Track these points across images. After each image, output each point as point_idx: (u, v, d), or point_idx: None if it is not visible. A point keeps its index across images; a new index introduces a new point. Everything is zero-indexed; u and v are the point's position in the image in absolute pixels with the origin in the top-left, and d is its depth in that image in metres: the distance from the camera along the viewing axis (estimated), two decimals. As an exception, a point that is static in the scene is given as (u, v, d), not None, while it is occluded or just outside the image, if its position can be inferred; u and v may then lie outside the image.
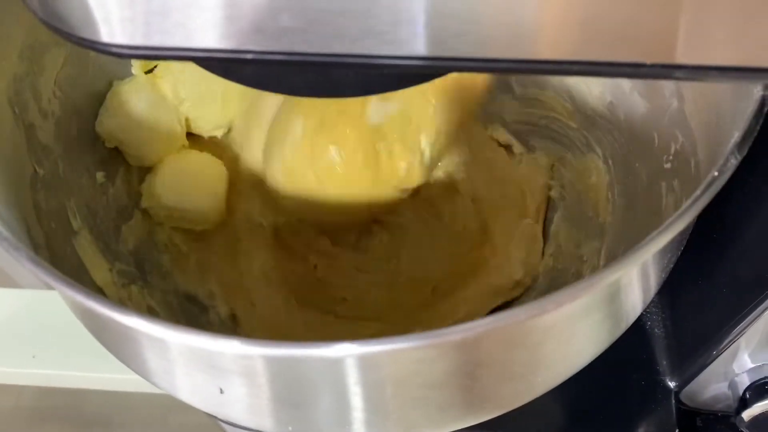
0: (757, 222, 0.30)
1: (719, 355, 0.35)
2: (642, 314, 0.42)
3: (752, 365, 0.36)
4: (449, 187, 0.45)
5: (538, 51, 0.18)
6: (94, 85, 0.39)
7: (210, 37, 0.19)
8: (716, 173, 0.21)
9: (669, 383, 0.39)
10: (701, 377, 0.37)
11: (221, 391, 0.24)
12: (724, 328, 0.33)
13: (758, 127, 0.22)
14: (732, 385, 0.37)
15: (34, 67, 0.34)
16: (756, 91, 0.22)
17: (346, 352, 0.19)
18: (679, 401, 0.40)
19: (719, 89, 0.28)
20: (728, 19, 0.17)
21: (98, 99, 0.39)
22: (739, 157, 0.21)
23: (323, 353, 0.19)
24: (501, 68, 0.19)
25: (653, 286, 0.28)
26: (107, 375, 0.51)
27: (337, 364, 0.20)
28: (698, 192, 0.21)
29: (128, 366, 0.27)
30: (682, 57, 0.17)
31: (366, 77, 0.21)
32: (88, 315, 0.24)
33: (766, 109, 0.22)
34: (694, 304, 0.37)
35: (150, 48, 0.19)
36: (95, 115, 0.39)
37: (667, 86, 0.35)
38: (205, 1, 0.18)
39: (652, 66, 0.18)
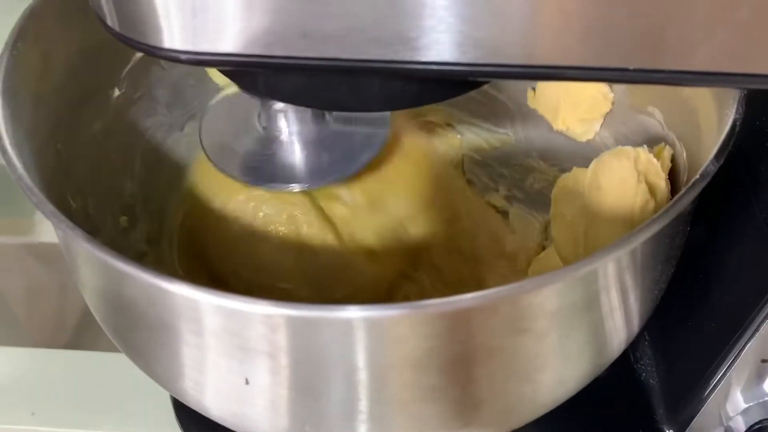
0: (737, 256, 0.33)
1: (710, 395, 0.36)
2: (636, 366, 0.44)
3: (745, 405, 0.37)
4: (452, 249, 0.48)
5: (538, 57, 0.21)
6: (125, 138, 0.43)
7: (260, 44, 0.22)
8: (698, 176, 0.24)
9: (667, 431, 0.40)
10: (697, 422, 0.39)
11: (246, 382, 0.25)
12: (711, 365, 0.35)
13: (731, 143, 0.25)
14: (728, 431, 0.38)
15: (76, 116, 0.38)
16: (730, 114, 0.26)
17: (355, 314, 0.21)
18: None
19: (701, 136, 0.32)
20: (706, 26, 0.20)
21: (128, 151, 0.43)
22: (717, 164, 0.24)
23: (337, 314, 0.21)
24: (508, 74, 0.22)
25: (635, 313, 0.30)
26: (107, 432, 0.51)
27: (347, 328, 0.22)
28: (682, 191, 0.24)
29: (156, 370, 0.28)
30: (665, 62, 0.21)
31: (390, 92, 0.24)
32: (132, 302, 0.25)
33: (737, 130, 0.26)
34: (684, 348, 0.39)
35: (204, 53, 0.22)
36: (124, 166, 0.42)
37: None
38: (256, 12, 0.21)
39: (635, 71, 0.21)
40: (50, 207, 0.25)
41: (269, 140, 0.37)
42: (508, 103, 0.48)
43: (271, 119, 0.37)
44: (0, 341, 0.59)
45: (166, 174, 0.47)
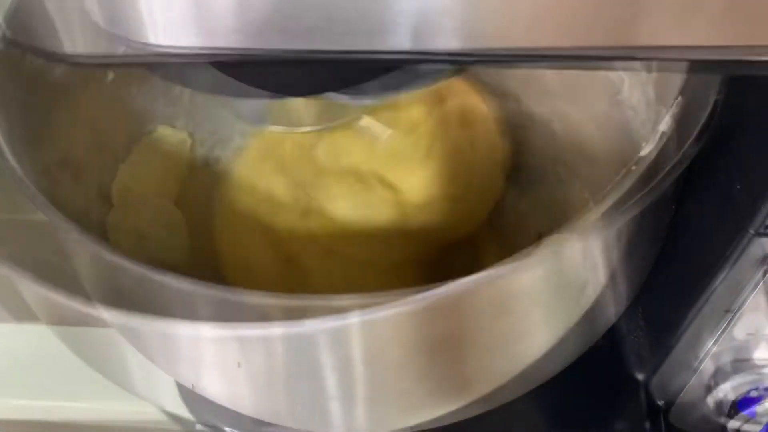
0: (702, 215, 0.33)
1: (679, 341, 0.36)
2: (632, 340, 0.44)
3: (734, 375, 0.38)
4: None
5: (517, 40, 0.21)
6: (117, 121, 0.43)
7: (239, 39, 0.22)
8: (680, 155, 0.25)
9: (658, 402, 0.41)
10: (686, 393, 0.39)
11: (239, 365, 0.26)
12: (682, 311, 0.35)
13: (712, 122, 0.26)
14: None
15: (72, 97, 0.39)
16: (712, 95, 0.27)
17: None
18: (669, 424, 0.42)
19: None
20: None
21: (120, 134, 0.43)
22: (699, 145, 0.25)
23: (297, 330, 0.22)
24: (487, 60, 0.22)
25: (621, 287, 0.30)
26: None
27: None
28: (668, 167, 0.24)
29: (155, 356, 0.29)
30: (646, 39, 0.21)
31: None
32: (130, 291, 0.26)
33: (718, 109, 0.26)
34: (665, 309, 0.39)
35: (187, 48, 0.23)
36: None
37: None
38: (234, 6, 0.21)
39: (620, 48, 0.21)
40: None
41: None
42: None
43: None
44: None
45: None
